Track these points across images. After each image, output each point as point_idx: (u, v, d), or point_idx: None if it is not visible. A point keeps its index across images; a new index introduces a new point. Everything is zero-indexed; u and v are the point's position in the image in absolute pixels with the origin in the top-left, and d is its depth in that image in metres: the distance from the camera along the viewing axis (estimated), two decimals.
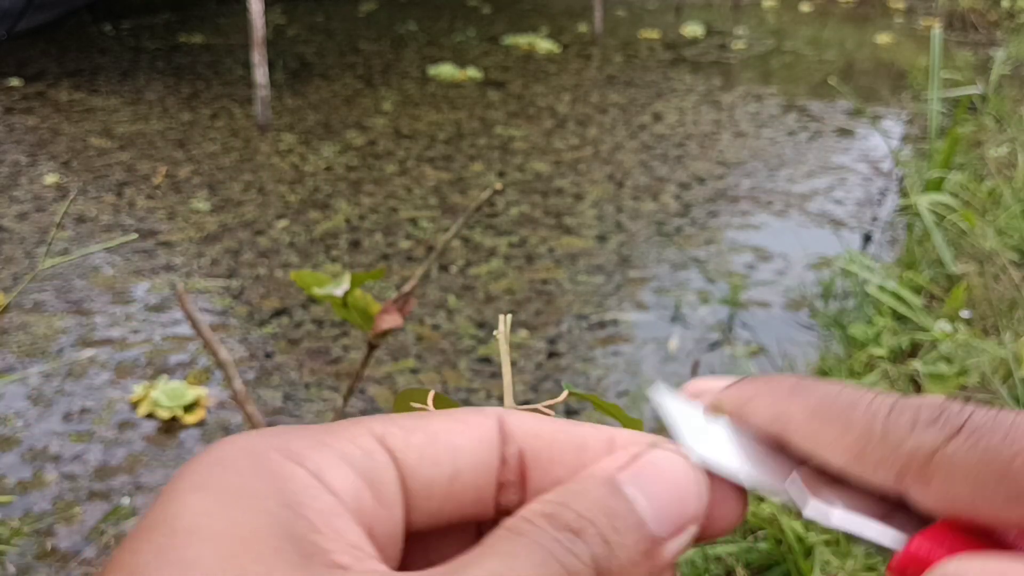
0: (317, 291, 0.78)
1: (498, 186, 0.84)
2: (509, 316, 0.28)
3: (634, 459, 0.22)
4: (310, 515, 0.20)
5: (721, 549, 1.39)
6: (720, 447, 0.24)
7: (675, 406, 0.25)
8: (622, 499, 0.21)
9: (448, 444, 0.23)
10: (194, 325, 0.84)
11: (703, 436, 0.24)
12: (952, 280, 2.44)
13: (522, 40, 6.40)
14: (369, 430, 0.23)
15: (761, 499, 1.45)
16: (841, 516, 0.23)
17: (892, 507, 0.23)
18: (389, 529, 0.22)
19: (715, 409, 0.25)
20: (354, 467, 0.22)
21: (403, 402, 0.32)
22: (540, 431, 0.24)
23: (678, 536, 0.22)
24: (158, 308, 2.65)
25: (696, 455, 0.23)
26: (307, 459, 0.21)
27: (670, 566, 0.22)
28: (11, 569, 1.67)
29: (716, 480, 0.23)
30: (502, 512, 0.24)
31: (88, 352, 2.41)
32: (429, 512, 0.23)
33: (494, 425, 0.24)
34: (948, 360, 1.71)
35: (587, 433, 0.24)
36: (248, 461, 0.21)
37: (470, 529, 0.25)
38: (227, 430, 2.11)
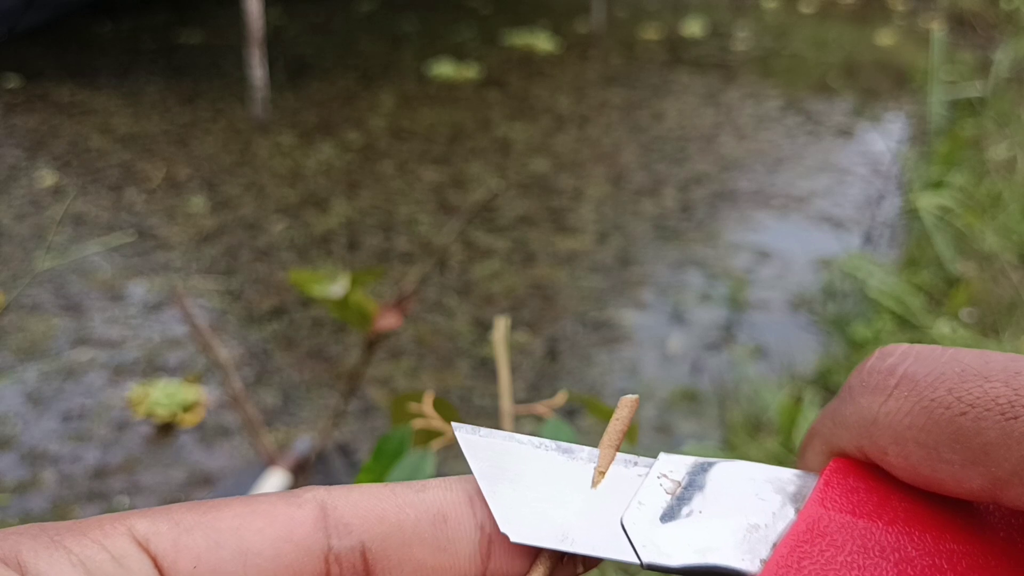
0: (316, 291, 0.78)
1: (496, 191, 0.84)
2: (507, 319, 0.28)
3: None
4: None
5: None
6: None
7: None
8: None
9: (236, 548, 0.19)
10: (192, 325, 0.84)
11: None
12: (952, 280, 2.43)
13: (522, 40, 6.40)
14: (128, 528, 0.19)
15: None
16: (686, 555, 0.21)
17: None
18: None
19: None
20: None
21: (400, 406, 0.31)
22: (384, 514, 0.20)
23: None
24: (156, 308, 2.64)
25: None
26: (32, 567, 0.17)
27: None
28: None
29: None
30: None
31: (86, 352, 2.41)
32: None
33: (310, 516, 0.20)
34: None
35: (446, 509, 0.20)
36: None
37: None
38: (226, 431, 2.11)
